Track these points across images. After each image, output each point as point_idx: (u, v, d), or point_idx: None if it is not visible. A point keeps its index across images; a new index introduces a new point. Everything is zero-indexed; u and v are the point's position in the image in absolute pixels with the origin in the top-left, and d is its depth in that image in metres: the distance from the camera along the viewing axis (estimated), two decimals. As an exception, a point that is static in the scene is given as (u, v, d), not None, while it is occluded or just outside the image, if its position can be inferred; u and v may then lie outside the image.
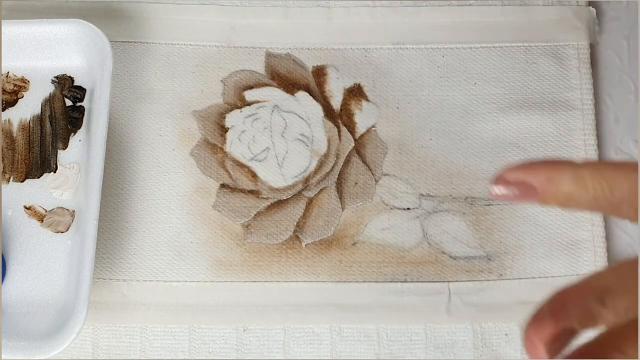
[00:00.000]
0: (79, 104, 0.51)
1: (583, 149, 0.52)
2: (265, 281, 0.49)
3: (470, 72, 0.53)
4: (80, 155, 0.50)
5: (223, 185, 0.51)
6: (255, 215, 0.50)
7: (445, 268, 0.50)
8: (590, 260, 0.50)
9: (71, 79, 0.51)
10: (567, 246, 0.50)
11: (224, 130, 0.52)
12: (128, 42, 0.53)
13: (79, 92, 0.51)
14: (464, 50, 0.53)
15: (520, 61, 0.53)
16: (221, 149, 0.51)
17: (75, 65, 0.51)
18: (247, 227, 0.50)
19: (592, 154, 0.51)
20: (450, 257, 0.50)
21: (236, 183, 0.51)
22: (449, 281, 0.49)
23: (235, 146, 0.52)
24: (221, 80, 0.53)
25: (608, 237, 0.51)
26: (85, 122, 0.51)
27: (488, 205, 0.51)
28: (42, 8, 0.53)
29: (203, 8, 0.54)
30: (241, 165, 0.51)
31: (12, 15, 0.53)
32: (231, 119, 0.52)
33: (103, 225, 0.49)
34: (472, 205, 0.51)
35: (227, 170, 0.51)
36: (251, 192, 0.51)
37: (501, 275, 0.49)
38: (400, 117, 0.52)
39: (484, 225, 0.50)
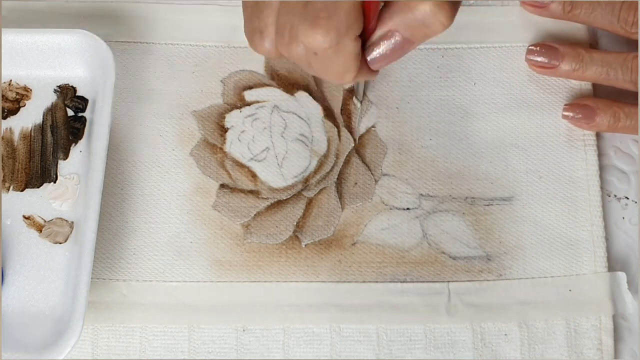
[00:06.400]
0: (80, 114, 0.51)
1: (583, 149, 0.52)
2: (265, 281, 0.49)
3: (470, 72, 0.53)
4: (81, 166, 0.50)
5: (223, 185, 0.51)
6: (255, 215, 0.50)
7: (445, 268, 0.49)
8: (590, 260, 0.50)
9: (74, 89, 0.51)
10: (567, 246, 0.50)
11: (223, 130, 0.52)
12: (128, 42, 0.53)
13: (81, 103, 0.51)
14: (463, 50, 0.53)
15: (520, 61, 0.53)
16: (221, 149, 0.52)
17: (78, 76, 0.51)
18: (246, 227, 0.50)
19: (591, 154, 0.51)
20: (450, 257, 0.50)
21: (236, 183, 0.51)
22: (448, 281, 0.49)
23: (235, 146, 0.52)
24: (221, 81, 0.53)
25: (608, 237, 0.51)
26: (86, 133, 0.51)
27: (488, 205, 0.51)
28: (41, 8, 0.53)
29: (203, 8, 0.54)
30: (241, 165, 0.51)
31: (12, 15, 0.53)
32: (231, 119, 0.52)
33: (103, 225, 0.49)
34: (471, 205, 0.51)
35: (226, 170, 0.51)
36: (251, 192, 0.51)
37: (501, 275, 0.49)
38: (400, 117, 0.52)
39: (483, 225, 0.50)
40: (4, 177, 0.50)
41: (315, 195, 0.51)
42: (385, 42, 0.41)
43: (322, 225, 0.50)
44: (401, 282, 0.49)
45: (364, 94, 0.52)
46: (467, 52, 0.53)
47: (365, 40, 0.41)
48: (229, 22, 0.54)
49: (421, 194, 0.51)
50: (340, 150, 0.52)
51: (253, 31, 0.42)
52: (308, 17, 0.39)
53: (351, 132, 0.52)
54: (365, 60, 0.42)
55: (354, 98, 0.52)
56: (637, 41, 0.50)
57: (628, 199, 0.52)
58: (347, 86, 0.53)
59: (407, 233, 0.50)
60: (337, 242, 0.50)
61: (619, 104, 0.51)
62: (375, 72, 0.44)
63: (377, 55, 0.42)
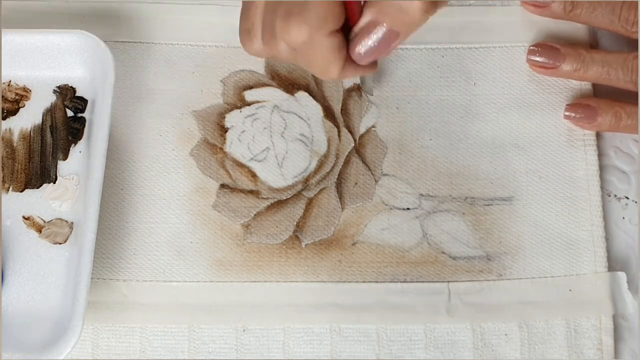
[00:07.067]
0: (80, 114, 0.51)
1: (583, 149, 0.52)
2: (265, 281, 0.49)
3: (470, 72, 0.53)
4: (80, 167, 0.50)
5: (223, 186, 0.51)
6: (255, 215, 0.50)
7: (445, 268, 0.49)
8: (590, 260, 0.50)
9: (73, 90, 0.51)
10: (567, 246, 0.50)
11: (223, 130, 0.52)
12: (128, 42, 0.53)
13: (80, 103, 0.51)
14: (463, 50, 0.53)
15: (520, 61, 0.53)
16: (221, 149, 0.52)
17: (77, 76, 0.51)
18: (247, 227, 0.50)
19: (591, 154, 0.51)
20: (450, 257, 0.50)
21: (236, 183, 0.51)
22: (448, 281, 0.49)
23: (235, 146, 0.52)
24: (221, 80, 0.53)
25: (608, 237, 0.51)
26: (86, 133, 0.51)
27: (488, 205, 0.51)
28: (41, 8, 0.53)
29: (203, 8, 0.54)
30: (241, 166, 0.51)
31: (12, 15, 0.53)
32: (231, 119, 0.52)
33: (102, 225, 0.49)
34: (471, 205, 0.51)
35: (227, 170, 0.51)
36: (251, 192, 0.51)
37: (501, 275, 0.49)
38: (400, 117, 0.52)
39: (483, 225, 0.50)
40: (3, 177, 0.50)
41: (315, 195, 0.51)
42: (368, 35, 0.41)
43: (322, 225, 0.50)
44: (401, 282, 0.49)
45: (374, 86, 0.52)
46: (467, 52, 0.53)
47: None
48: (229, 22, 0.54)
49: (421, 194, 0.51)
50: (340, 150, 0.52)
51: (243, 32, 0.43)
52: (282, 13, 0.39)
53: (351, 132, 0.52)
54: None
55: (363, 93, 0.52)
56: (637, 41, 0.50)
57: (628, 199, 0.52)
58: (347, 85, 0.53)
59: (407, 233, 0.50)
60: (337, 242, 0.50)
61: (620, 103, 0.51)
62: (372, 67, 0.43)
63: (362, 50, 0.41)
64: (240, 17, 0.43)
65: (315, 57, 0.41)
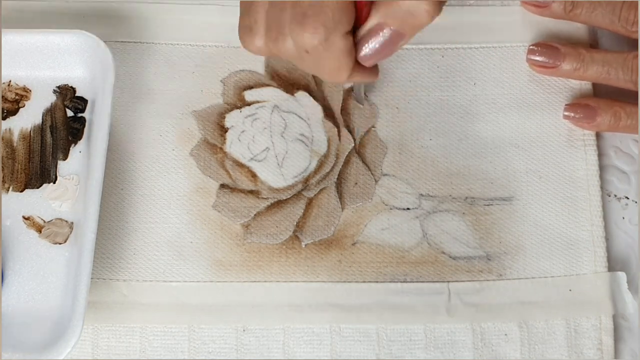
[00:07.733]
0: (80, 114, 0.51)
1: (583, 149, 0.52)
2: (265, 281, 0.49)
3: (470, 72, 0.53)
4: (80, 167, 0.50)
5: (223, 186, 0.51)
6: (255, 215, 0.50)
7: (445, 268, 0.49)
8: (590, 260, 0.50)
9: (73, 90, 0.51)
10: (567, 246, 0.50)
11: (223, 130, 0.52)
12: (128, 42, 0.53)
13: (80, 103, 0.51)
14: (463, 50, 0.53)
15: (520, 61, 0.53)
16: (221, 149, 0.52)
17: (77, 76, 0.51)
18: (246, 227, 0.50)
19: (591, 154, 0.51)
20: (450, 257, 0.50)
21: (236, 183, 0.51)
22: (448, 281, 0.49)
23: (235, 146, 0.52)
24: (221, 80, 0.53)
25: (608, 237, 0.51)
26: (85, 133, 0.51)
27: (488, 205, 0.51)
28: (41, 8, 0.53)
29: (203, 8, 0.54)
30: (241, 165, 0.51)
31: (12, 15, 0.53)
32: (231, 119, 0.52)
33: (102, 225, 0.49)
34: (471, 205, 0.51)
35: (226, 170, 0.51)
36: (251, 192, 0.51)
37: (501, 275, 0.49)
38: (400, 117, 0.52)
39: (483, 225, 0.50)
40: (3, 177, 0.50)
41: (315, 195, 0.51)
42: (375, 37, 0.41)
43: (322, 225, 0.50)
44: (401, 282, 0.49)
45: (365, 96, 0.52)
46: (467, 52, 0.53)
47: None
48: (229, 22, 0.53)
49: (421, 194, 0.51)
50: (340, 150, 0.52)
51: (244, 28, 0.43)
52: (296, 16, 0.39)
53: (351, 132, 0.52)
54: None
55: (354, 101, 0.52)
56: (637, 40, 0.50)
57: (628, 199, 0.52)
58: (346, 86, 0.53)
59: (407, 233, 0.50)
60: (337, 242, 0.50)
61: (620, 103, 0.51)
62: (375, 74, 0.44)
63: (368, 51, 0.42)
64: (241, 13, 0.43)
65: (326, 59, 0.41)
